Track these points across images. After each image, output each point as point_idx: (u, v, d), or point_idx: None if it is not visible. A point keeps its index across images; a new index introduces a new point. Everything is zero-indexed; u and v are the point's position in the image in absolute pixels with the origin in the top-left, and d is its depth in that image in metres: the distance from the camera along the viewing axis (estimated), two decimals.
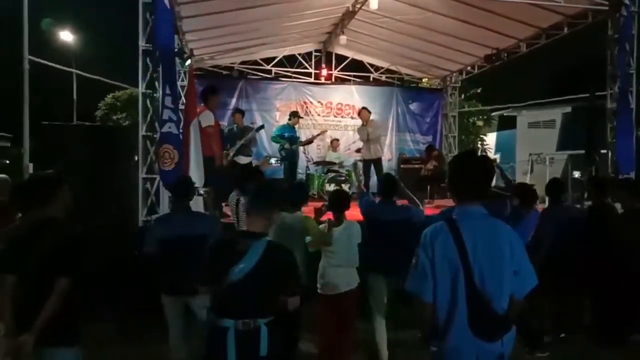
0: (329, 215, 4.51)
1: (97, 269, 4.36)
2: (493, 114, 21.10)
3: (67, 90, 18.44)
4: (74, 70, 16.00)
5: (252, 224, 2.75)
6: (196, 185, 4.92)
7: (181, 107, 7.48)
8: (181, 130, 6.22)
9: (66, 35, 19.55)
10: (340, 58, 12.82)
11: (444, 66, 12.47)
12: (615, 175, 7.52)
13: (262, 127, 9.21)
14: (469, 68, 12.12)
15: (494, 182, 3.72)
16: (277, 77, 12.55)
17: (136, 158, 6.52)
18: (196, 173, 6.08)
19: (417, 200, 4.90)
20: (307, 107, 12.45)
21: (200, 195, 5.81)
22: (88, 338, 3.02)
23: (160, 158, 5.96)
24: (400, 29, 10.25)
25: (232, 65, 12.08)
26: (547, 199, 5.40)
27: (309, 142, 10.06)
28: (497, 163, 11.61)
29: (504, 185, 4.87)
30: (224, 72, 12.22)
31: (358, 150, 10.01)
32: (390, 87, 13.12)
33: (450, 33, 9.94)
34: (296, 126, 9.58)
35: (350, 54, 12.67)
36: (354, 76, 13.18)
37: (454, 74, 12.83)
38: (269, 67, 12.42)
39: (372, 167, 9.27)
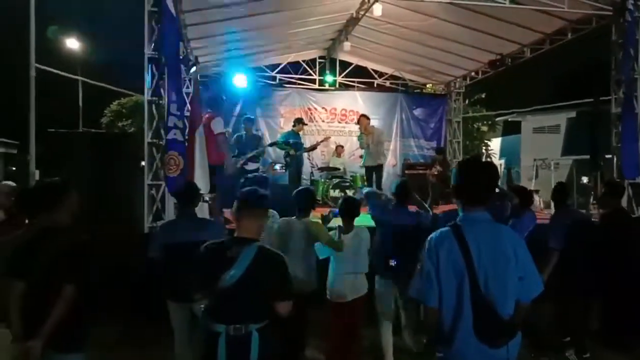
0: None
1: (103, 275, 4.37)
2: (497, 119, 21.08)
3: (73, 97, 18.54)
4: (80, 78, 16.10)
5: (243, 229, 2.74)
6: (201, 191, 4.94)
7: (186, 114, 7.53)
8: (187, 137, 6.25)
9: (72, 43, 19.68)
10: (345, 64, 12.87)
11: (448, 72, 12.49)
12: (620, 180, 7.49)
13: (274, 143, 9.38)
14: (473, 73, 12.14)
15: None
16: (281, 84, 12.60)
17: (142, 164, 6.55)
18: (201, 179, 6.10)
19: (426, 206, 4.90)
20: (311, 113, 12.50)
21: (206, 201, 5.83)
22: (94, 344, 3.03)
23: (166, 165, 5.99)
24: (404, 35, 10.28)
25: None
26: (552, 203, 5.37)
27: (313, 148, 10.09)
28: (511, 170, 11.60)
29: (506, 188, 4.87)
30: None
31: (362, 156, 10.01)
32: (395, 93, 13.16)
33: (454, 39, 9.96)
34: (300, 133, 9.61)
35: (355, 60, 12.72)
36: (358, 82, 13.22)
37: (458, 80, 12.84)
38: (273, 74, 12.47)
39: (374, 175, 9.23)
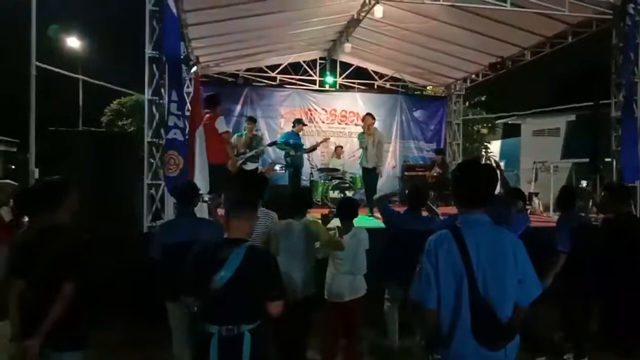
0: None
1: (102, 274, 4.37)
2: (497, 121, 21.09)
3: (73, 96, 18.54)
4: (80, 77, 16.09)
5: (233, 230, 2.75)
6: (201, 191, 4.94)
7: (186, 113, 7.53)
8: (187, 137, 6.25)
9: (73, 42, 19.68)
10: (345, 65, 12.87)
11: (448, 74, 12.50)
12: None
13: (274, 143, 9.39)
14: (473, 76, 12.16)
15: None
16: (281, 85, 12.62)
17: (143, 162, 6.55)
18: (201, 179, 6.10)
19: (435, 210, 4.91)
20: (311, 114, 12.50)
21: (205, 202, 5.83)
22: (93, 343, 3.02)
23: (166, 164, 5.99)
24: (405, 37, 10.29)
25: (238, 72, 12.17)
26: (555, 206, 5.35)
27: (313, 149, 10.09)
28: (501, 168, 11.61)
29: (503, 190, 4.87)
30: (229, 79, 12.29)
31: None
32: (395, 95, 13.16)
33: (455, 41, 9.97)
34: (300, 133, 9.61)
35: (355, 62, 12.73)
36: (359, 84, 13.23)
37: (459, 82, 12.86)
38: (274, 75, 12.48)
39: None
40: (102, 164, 6.23)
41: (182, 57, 7.05)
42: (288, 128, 10.51)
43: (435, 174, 10.08)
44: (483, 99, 19.25)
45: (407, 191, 5.01)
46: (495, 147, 21.19)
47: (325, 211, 4.74)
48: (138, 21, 6.64)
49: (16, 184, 5.31)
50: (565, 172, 16.38)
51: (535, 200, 11.83)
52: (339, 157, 11.33)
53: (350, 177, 10.52)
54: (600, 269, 4.63)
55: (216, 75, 12.06)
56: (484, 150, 19.62)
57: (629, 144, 7.42)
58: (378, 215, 6.46)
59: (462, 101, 13.59)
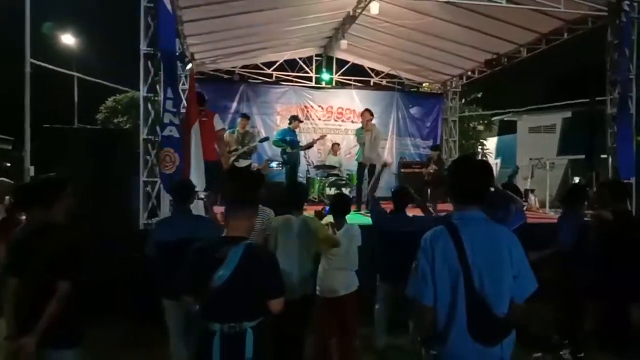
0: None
1: (98, 272, 4.36)
2: (494, 118, 21.15)
3: (68, 93, 18.48)
4: (75, 74, 16.03)
5: (232, 229, 2.76)
6: (196, 189, 4.93)
7: (182, 110, 7.50)
8: (182, 134, 6.23)
9: (67, 39, 19.59)
10: (341, 62, 12.86)
11: (444, 71, 12.50)
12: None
13: (266, 139, 9.37)
14: (469, 73, 12.16)
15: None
16: (277, 81, 12.59)
17: (139, 159, 6.53)
18: (196, 177, 6.09)
19: (429, 209, 4.93)
20: (307, 111, 12.48)
21: (201, 199, 5.82)
22: (90, 342, 3.02)
23: (161, 161, 5.97)
24: (401, 33, 10.29)
25: (233, 69, 12.13)
26: (561, 202, 5.35)
27: (310, 146, 10.08)
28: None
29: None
30: (225, 76, 12.25)
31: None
32: (391, 92, 13.15)
33: (451, 38, 9.97)
34: (296, 130, 9.61)
35: (351, 59, 12.72)
36: (355, 80, 13.22)
37: (455, 79, 12.86)
38: (269, 71, 12.46)
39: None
40: (97, 162, 6.21)
41: (177, 54, 7.03)
42: (284, 125, 10.50)
43: (431, 171, 10.08)
44: (479, 95, 19.26)
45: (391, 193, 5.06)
46: (491, 144, 21.25)
47: (319, 208, 4.75)
48: (133, 18, 6.61)
49: (11, 181, 5.28)
50: (561, 168, 16.45)
51: (532, 197, 11.86)
52: (335, 154, 11.32)
53: (347, 174, 10.52)
54: (598, 268, 4.64)
55: (212, 72, 12.03)
56: (480, 147, 19.66)
57: (625, 141, 7.45)
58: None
59: (458, 98, 13.59)
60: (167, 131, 5.98)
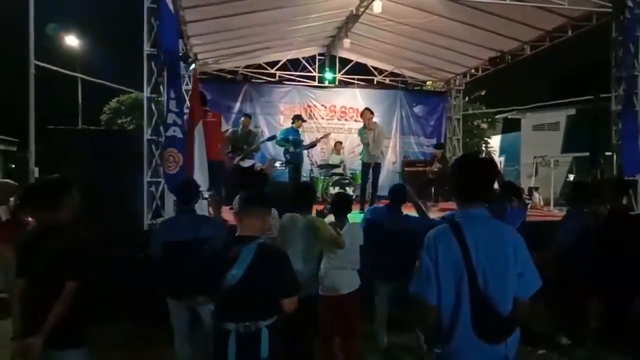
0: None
1: (103, 272, 4.37)
2: (497, 116, 21.09)
3: (72, 94, 18.54)
4: (79, 75, 16.05)
5: (244, 228, 2.75)
6: (200, 188, 4.93)
7: (185, 110, 7.52)
8: (186, 134, 6.24)
9: (71, 40, 19.66)
10: (344, 61, 12.86)
11: (448, 69, 12.47)
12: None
13: (273, 137, 9.35)
14: (473, 71, 12.13)
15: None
16: (281, 81, 12.60)
17: (143, 159, 6.55)
18: (200, 177, 6.09)
19: (424, 210, 4.90)
20: (311, 110, 12.48)
21: (205, 199, 5.83)
22: (95, 343, 3.02)
23: (165, 162, 5.98)
24: (404, 32, 10.27)
25: (237, 69, 12.15)
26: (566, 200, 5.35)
27: (313, 145, 10.08)
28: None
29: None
30: (228, 76, 12.27)
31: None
32: (394, 90, 13.13)
33: (454, 36, 9.95)
34: (300, 129, 9.61)
35: (354, 57, 12.71)
36: (358, 79, 13.21)
37: (458, 77, 12.83)
38: (273, 71, 12.46)
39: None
40: (101, 162, 6.24)
41: (180, 54, 7.04)
42: (287, 124, 10.50)
43: (435, 169, 10.07)
44: (483, 93, 19.23)
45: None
46: (495, 142, 21.21)
47: (321, 207, 4.74)
48: (136, 19, 6.63)
49: (16, 183, 5.31)
50: (566, 166, 16.39)
51: (536, 195, 11.83)
52: (338, 153, 11.32)
53: (351, 173, 10.52)
54: (596, 265, 4.62)
55: (215, 72, 12.05)
56: (484, 145, 19.61)
57: (629, 138, 7.40)
58: None
59: (462, 96, 13.56)
60: (170, 131, 5.99)
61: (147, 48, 6.45)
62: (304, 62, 12.59)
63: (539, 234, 4.92)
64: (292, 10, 9.21)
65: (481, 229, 2.25)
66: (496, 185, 4.86)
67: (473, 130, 19.01)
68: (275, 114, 12.29)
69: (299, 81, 12.69)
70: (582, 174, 12.49)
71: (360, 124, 8.88)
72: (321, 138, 10.27)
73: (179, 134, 6.03)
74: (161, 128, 6.37)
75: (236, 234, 2.78)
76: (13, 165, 23.06)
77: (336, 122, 12.68)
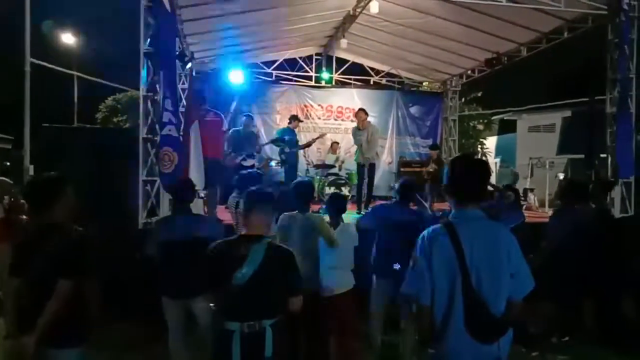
0: None
1: (98, 271, 4.36)
2: (493, 117, 21.12)
3: (68, 92, 18.48)
4: (75, 73, 16.04)
5: (251, 226, 2.75)
6: (196, 188, 4.93)
7: (182, 109, 7.50)
8: (181, 133, 6.23)
9: (67, 38, 19.59)
10: (341, 61, 12.86)
11: (444, 70, 12.49)
12: (614, 179, 7.53)
13: (274, 141, 9.30)
14: (469, 72, 12.15)
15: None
16: (277, 80, 12.58)
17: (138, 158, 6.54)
18: (196, 176, 6.09)
19: (425, 204, 4.90)
20: (307, 110, 12.48)
21: (201, 198, 5.83)
22: (90, 342, 3.01)
23: (160, 160, 5.97)
24: (401, 32, 10.28)
25: None
26: (556, 198, 5.39)
27: (309, 145, 10.07)
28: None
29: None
30: None
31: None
32: (391, 91, 13.15)
33: (451, 37, 9.96)
34: (296, 129, 9.60)
35: (351, 58, 12.71)
36: (355, 80, 13.21)
37: (455, 78, 12.85)
38: (269, 70, 12.45)
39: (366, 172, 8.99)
40: (97, 161, 6.22)
41: (177, 53, 7.02)
42: (284, 124, 10.49)
43: (431, 170, 10.08)
44: (479, 95, 19.25)
45: (398, 184, 4.98)
46: (491, 143, 21.23)
47: (316, 207, 4.73)
48: (133, 17, 6.61)
49: (11, 181, 5.28)
50: (561, 167, 16.44)
51: (531, 196, 11.87)
52: (334, 153, 11.31)
53: (346, 173, 10.51)
54: (591, 264, 4.65)
55: (211, 72, 12.01)
56: (480, 146, 19.65)
57: (624, 140, 7.45)
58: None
59: (458, 97, 13.58)
60: (165, 130, 5.98)
61: (143, 46, 6.43)
62: (300, 61, 12.58)
63: (534, 235, 4.97)
64: (289, 10, 9.21)
65: (475, 229, 2.26)
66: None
67: (469, 131, 19.04)
68: (272, 114, 12.28)
69: (295, 81, 12.69)
70: (577, 175, 12.52)
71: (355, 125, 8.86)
72: (317, 138, 10.26)
73: (174, 133, 6.02)
74: (157, 127, 6.36)
75: (243, 233, 2.77)
76: (8, 163, 22.94)
77: (332, 122, 12.68)
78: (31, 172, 9.98)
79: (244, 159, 8.10)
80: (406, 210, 4.66)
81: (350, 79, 13.18)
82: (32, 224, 3.06)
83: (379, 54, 12.14)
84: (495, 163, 17.83)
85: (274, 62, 12.35)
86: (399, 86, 13.26)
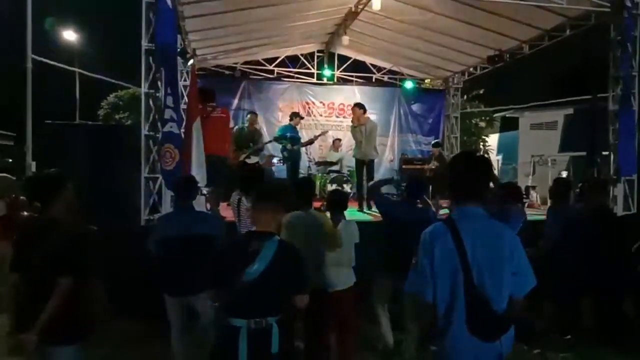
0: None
1: (99, 268, 4.36)
2: (495, 115, 21.09)
3: (70, 89, 18.49)
4: (76, 70, 16.00)
5: (260, 223, 2.76)
6: (199, 184, 4.93)
7: (183, 106, 7.50)
8: (183, 130, 6.23)
9: (69, 35, 19.58)
10: (343, 58, 12.83)
11: (446, 67, 12.46)
12: (616, 177, 7.52)
13: (277, 138, 9.29)
14: (471, 69, 12.12)
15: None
16: (279, 78, 12.56)
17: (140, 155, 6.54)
18: (198, 173, 6.09)
19: (429, 202, 4.90)
20: (309, 107, 12.48)
21: (203, 195, 5.83)
22: (91, 339, 3.02)
23: (162, 158, 5.97)
24: (403, 29, 10.25)
25: (235, 65, 12.10)
26: (550, 199, 5.39)
27: (310, 142, 10.07)
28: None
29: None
30: (227, 72, 12.23)
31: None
32: (393, 88, 13.12)
33: (453, 34, 9.94)
34: (298, 126, 9.60)
35: (353, 55, 12.68)
36: (356, 77, 13.18)
37: (457, 75, 12.82)
38: (271, 67, 12.42)
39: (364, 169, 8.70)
40: (99, 158, 6.22)
41: (178, 49, 7.02)
42: (286, 121, 10.49)
43: (433, 167, 10.08)
44: (481, 92, 19.22)
45: (406, 182, 4.97)
46: (493, 140, 21.21)
47: (318, 204, 4.72)
48: (135, 13, 6.60)
49: (13, 177, 5.29)
50: (563, 165, 16.42)
51: (533, 194, 11.87)
52: (336, 150, 11.32)
53: (348, 170, 10.51)
54: (581, 263, 4.65)
55: (213, 68, 12.01)
56: (482, 143, 19.63)
57: (626, 138, 7.43)
58: (373, 211, 6.44)
59: (460, 94, 13.53)
60: (167, 127, 5.98)
61: (145, 43, 6.42)
62: (302, 59, 12.55)
63: (536, 232, 4.96)
64: (291, 6, 9.19)
65: (477, 227, 2.26)
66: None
67: (471, 128, 19.04)
68: (274, 111, 12.28)
69: (297, 78, 12.67)
70: (579, 173, 12.52)
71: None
72: (318, 136, 10.25)
73: (176, 130, 6.02)
74: (159, 124, 6.35)
75: (252, 229, 2.79)
76: (10, 160, 22.98)
77: (334, 119, 12.68)
78: (33, 169, 9.99)
79: (248, 157, 8.13)
80: (414, 208, 4.68)
81: (352, 76, 13.15)
82: (33, 220, 3.06)
83: (381, 51, 12.11)
84: (498, 160, 17.81)
85: (275, 59, 12.31)
86: (401, 83, 13.14)
